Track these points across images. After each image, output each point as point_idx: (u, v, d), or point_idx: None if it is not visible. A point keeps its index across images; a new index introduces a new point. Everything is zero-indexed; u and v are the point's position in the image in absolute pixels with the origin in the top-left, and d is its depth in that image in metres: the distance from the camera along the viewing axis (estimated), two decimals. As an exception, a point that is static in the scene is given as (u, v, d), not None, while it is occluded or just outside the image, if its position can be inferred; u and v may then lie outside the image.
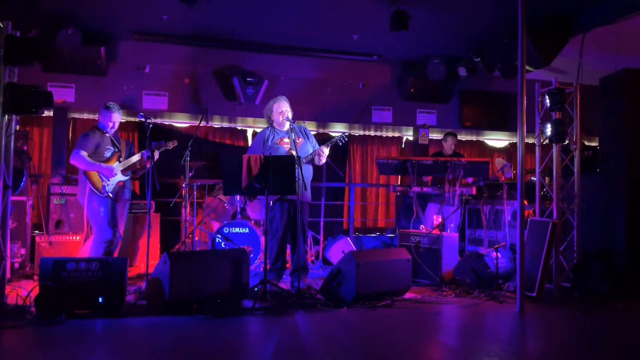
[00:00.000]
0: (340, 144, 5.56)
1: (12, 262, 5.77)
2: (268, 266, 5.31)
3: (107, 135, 5.42)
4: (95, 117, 7.88)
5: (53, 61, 6.73)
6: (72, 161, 5.28)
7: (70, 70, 6.98)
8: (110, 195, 5.30)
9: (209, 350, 3.60)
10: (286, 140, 5.52)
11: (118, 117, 5.44)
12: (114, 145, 5.44)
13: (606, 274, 5.31)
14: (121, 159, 5.43)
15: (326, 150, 5.49)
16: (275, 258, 5.45)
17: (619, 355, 3.72)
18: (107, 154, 5.37)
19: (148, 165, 5.22)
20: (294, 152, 5.30)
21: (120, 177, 5.39)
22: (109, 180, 5.29)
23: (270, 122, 5.64)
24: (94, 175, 5.27)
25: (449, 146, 7.48)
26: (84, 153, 5.22)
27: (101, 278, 4.31)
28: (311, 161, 5.51)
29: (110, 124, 5.39)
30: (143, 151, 5.45)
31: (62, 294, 4.16)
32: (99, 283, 4.30)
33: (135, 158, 5.46)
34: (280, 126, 5.60)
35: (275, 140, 5.53)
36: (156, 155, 5.41)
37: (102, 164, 5.27)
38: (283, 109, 5.54)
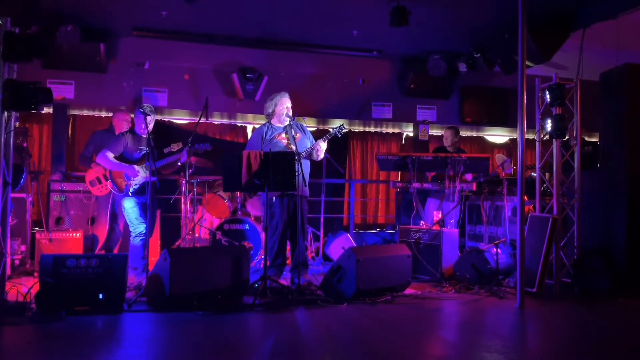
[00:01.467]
0: (339, 135, 5.52)
1: (13, 259, 5.77)
2: (268, 262, 5.31)
3: (142, 137, 5.61)
4: (95, 114, 7.90)
5: (52, 58, 6.71)
6: (98, 159, 5.58)
7: (70, 66, 6.96)
8: (130, 195, 5.52)
9: (210, 346, 3.60)
10: (284, 135, 5.52)
11: (150, 119, 5.51)
12: (149, 146, 5.44)
13: (606, 270, 5.31)
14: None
15: (323, 145, 5.49)
16: (276, 254, 5.45)
17: (618, 351, 3.72)
18: (137, 155, 5.58)
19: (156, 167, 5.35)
20: (293, 147, 5.31)
21: (143, 178, 5.51)
22: (131, 179, 5.50)
23: (270, 118, 5.63)
24: (118, 175, 5.52)
25: (447, 140, 7.42)
26: (109, 154, 5.48)
27: (101, 275, 4.30)
28: (309, 156, 5.51)
29: (143, 126, 5.51)
30: (179, 155, 5.64)
31: (62, 291, 4.16)
32: (99, 280, 4.29)
33: (173, 159, 5.64)
34: (279, 122, 5.59)
35: (273, 135, 5.53)
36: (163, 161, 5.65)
37: (125, 164, 5.50)
38: (287, 104, 5.56)
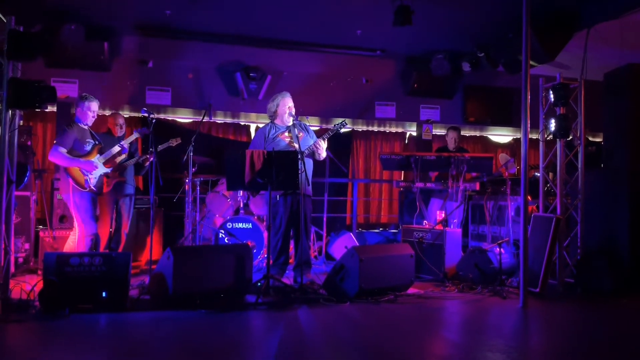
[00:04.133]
0: (341, 131, 5.53)
1: (16, 257, 5.80)
2: (271, 261, 5.32)
3: (86, 127, 5.33)
4: (98, 112, 7.87)
5: (56, 56, 6.72)
6: (51, 158, 5.18)
7: (74, 65, 6.97)
8: (94, 189, 5.23)
9: (213, 344, 3.61)
10: (287, 134, 5.53)
11: (96, 107, 5.32)
12: (93, 137, 5.35)
13: (610, 270, 5.30)
14: (101, 152, 5.36)
15: (323, 143, 5.50)
16: (279, 253, 5.46)
17: (622, 352, 3.72)
18: (87, 147, 5.28)
19: (151, 159, 5.23)
20: (295, 145, 5.32)
21: (102, 170, 5.32)
22: (90, 174, 5.22)
23: (273, 118, 5.64)
24: (76, 171, 5.19)
25: (450, 140, 7.43)
26: (62, 150, 5.11)
27: (104, 273, 4.32)
28: (311, 155, 5.52)
29: (90, 114, 5.29)
30: (122, 142, 5.41)
31: (65, 289, 4.17)
32: (103, 278, 4.31)
33: (115, 149, 5.40)
34: (282, 122, 5.60)
35: (276, 134, 5.54)
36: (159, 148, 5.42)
37: (82, 159, 5.19)
38: (290, 104, 5.57)
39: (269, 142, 5.50)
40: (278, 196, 5.40)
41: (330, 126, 8.76)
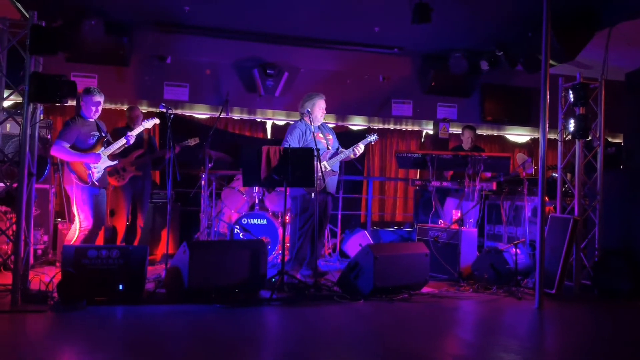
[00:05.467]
0: (373, 143, 5.74)
1: (35, 249, 5.87)
2: (289, 257, 5.38)
3: (91, 120, 5.22)
4: (117, 107, 7.96)
5: (76, 51, 6.80)
6: (53, 152, 5.06)
7: (93, 60, 7.05)
8: (96, 183, 5.14)
9: (227, 338, 3.64)
10: (320, 135, 5.59)
11: (100, 101, 5.20)
12: (99, 130, 5.27)
13: (628, 272, 5.23)
14: (106, 145, 5.25)
15: (361, 148, 5.58)
16: (300, 249, 5.45)
17: (637, 355, 3.67)
18: (92, 141, 5.18)
19: (169, 155, 5.23)
20: (330, 150, 5.53)
21: (107, 163, 5.23)
22: (95, 167, 5.13)
23: (305, 117, 5.61)
24: (79, 165, 5.10)
25: (466, 140, 7.38)
26: (65, 144, 5.03)
27: (121, 266, 4.37)
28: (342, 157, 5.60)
29: (93, 109, 5.16)
30: (127, 135, 5.29)
31: (83, 281, 4.23)
32: (120, 271, 4.36)
33: (121, 142, 5.27)
34: (314, 121, 5.62)
35: (312, 134, 5.56)
36: (177, 149, 5.39)
37: (85, 153, 5.09)
38: (324, 106, 5.63)
39: (308, 141, 5.49)
40: (312, 194, 5.41)
41: (350, 125, 8.84)
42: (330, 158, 5.51)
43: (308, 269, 5.44)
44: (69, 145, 5.05)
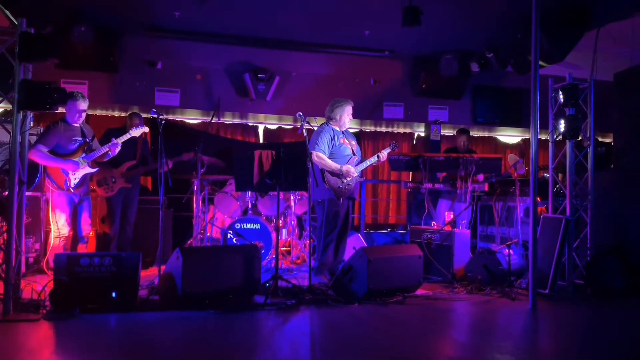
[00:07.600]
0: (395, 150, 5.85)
1: (27, 257, 5.83)
2: (317, 263, 5.53)
3: (76, 125, 5.16)
4: (108, 113, 7.94)
5: (66, 58, 6.76)
6: (30, 156, 4.83)
7: (83, 66, 7.01)
8: (72, 190, 5.07)
9: (222, 344, 3.62)
10: (346, 140, 5.63)
11: (83, 106, 5.14)
12: (82, 136, 5.18)
13: (620, 270, 5.27)
14: (88, 151, 5.18)
15: (384, 155, 5.69)
16: (330, 253, 5.49)
17: (632, 353, 3.69)
18: (72, 147, 5.11)
19: (161, 170, 5.16)
20: (355, 156, 5.60)
21: (85, 171, 5.15)
22: (73, 174, 5.06)
23: (331, 122, 5.62)
24: (55, 171, 5.04)
25: (460, 144, 7.43)
26: (43, 148, 4.95)
27: (114, 273, 4.34)
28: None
29: (77, 114, 5.11)
30: (111, 142, 5.21)
31: (76, 289, 4.20)
32: (112, 278, 4.33)
33: (103, 150, 5.19)
34: (342, 127, 5.65)
35: (340, 140, 5.59)
36: (170, 164, 5.30)
37: (64, 159, 5.02)
38: (352, 112, 5.66)
39: (337, 146, 5.54)
40: (342, 199, 5.46)
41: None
42: (357, 165, 5.60)
43: (327, 273, 5.48)
44: (47, 150, 4.99)
